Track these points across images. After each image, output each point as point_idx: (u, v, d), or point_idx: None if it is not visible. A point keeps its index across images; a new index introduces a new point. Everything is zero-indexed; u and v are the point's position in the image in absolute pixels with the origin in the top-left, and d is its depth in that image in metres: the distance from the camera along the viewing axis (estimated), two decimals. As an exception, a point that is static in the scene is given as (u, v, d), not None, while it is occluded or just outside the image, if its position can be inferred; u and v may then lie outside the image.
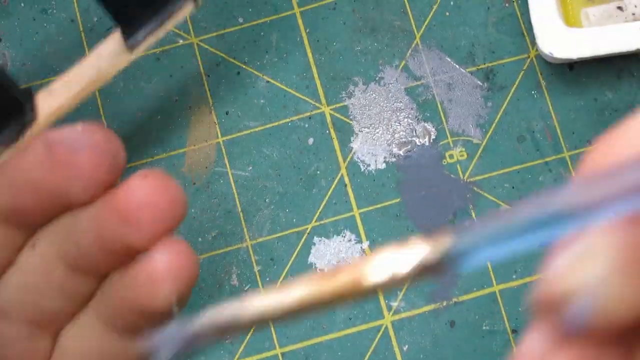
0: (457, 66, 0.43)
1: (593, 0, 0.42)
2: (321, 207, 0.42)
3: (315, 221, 0.41)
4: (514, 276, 0.41)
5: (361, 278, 0.16)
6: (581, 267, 0.15)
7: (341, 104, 0.42)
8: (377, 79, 0.43)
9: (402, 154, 0.42)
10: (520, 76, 0.42)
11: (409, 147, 0.42)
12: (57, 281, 0.25)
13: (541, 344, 0.16)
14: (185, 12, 0.24)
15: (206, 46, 0.43)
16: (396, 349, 0.40)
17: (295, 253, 0.41)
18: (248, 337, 0.40)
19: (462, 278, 0.41)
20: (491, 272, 0.41)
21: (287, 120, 0.42)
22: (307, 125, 0.42)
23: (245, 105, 0.43)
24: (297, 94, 0.43)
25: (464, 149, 0.42)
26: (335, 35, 0.43)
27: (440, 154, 0.42)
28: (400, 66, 0.43)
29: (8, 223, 0.25)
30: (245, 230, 0.41)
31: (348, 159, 0.42)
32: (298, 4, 0.44)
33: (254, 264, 0.41)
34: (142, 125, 0.43)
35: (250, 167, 0.42)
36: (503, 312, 0.40)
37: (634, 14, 0.41)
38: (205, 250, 0.41)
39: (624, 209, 0.14)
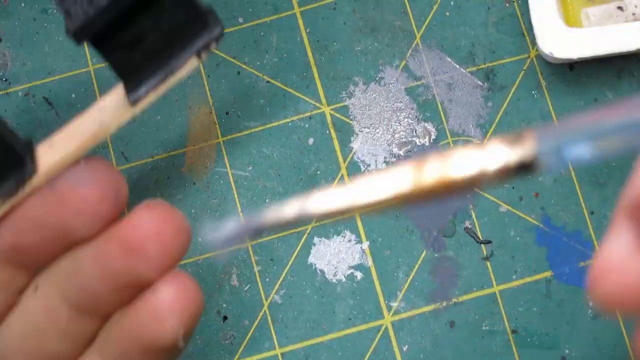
0: (457, 66, 0.43)
1: (593, 0, 0.42)
2: (321, 207, 0.41)
3: (315, 221, 0.41)
4: (514, 276, 0.41)
5: (449, 172, 0.16)
6: None
7: (341, 104, 0.42)
8: (377, 79, 0.43)
9: (402, 154, 0.42)
10: (520, 76, 0.42)
11: (409, 147, 0.42)
12: (60, 323, 0.25)
13: (623, 248, 0.16)
14: (188, 68, 0.24)
15: (206, 46, 0.43)
16: (396, 349, 0.40)
17: (295, 253, 0.41)
18: (248, 337, 0.40)
19: (462, 278, 0.41)
20: (491, 273, 0.41)
21: (287, 120, 0.42)
22: (307, 125, 0.42)
23: (245, 105, 0.43)
24: (297, 94, 0.43)
25: (464, 149, 0.42)
26: (336, 35, 0.43)
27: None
28: (401, 66, 0.43)
29: (10, 264, 0.25)
30: (245, 230, 0.41)
31: (348, 159, 0.42)
32: (298, 3, 0.44)
33: (254, 264, 0.41)
34: (142, 125, 0.43)
35: (250, 167, 0.42)
36: (503, 312, 0.40)
37: (634, 14, 0.41)
38: (205, 251, 0.41)
39: None
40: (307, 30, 0.43)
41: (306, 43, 0.43)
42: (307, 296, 0.41)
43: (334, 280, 0.41)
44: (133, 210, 0.24)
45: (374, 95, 0.43)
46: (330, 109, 0.42)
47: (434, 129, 0.42)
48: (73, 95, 0.43)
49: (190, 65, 0.24)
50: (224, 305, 0.41)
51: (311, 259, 0.41)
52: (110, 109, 0.24)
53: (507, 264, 0.41)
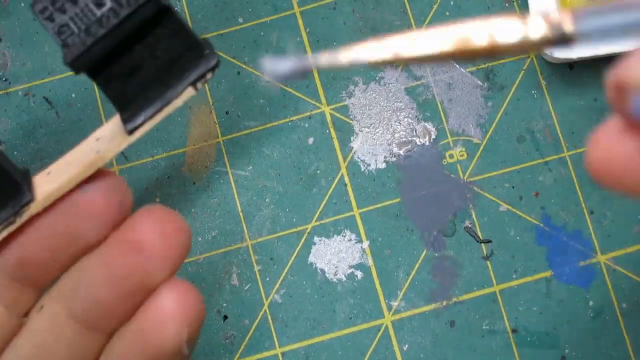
0: (457, 66, 0.43)
1: (593, 0, 0.42)
2: (321, 206, 0.42)
3: (316, 221, 0.41)
4: (514, 276, 0.41)
5: (495, 36, 0.17)
6: None
7: (341, 104, 0.43)
8: (377, 78, 0.43)
9: (402, 154, 0.42)
10: (520, 76, 0.42)
11: (409, 146, 0.42)
12: (67, 341, 0.25)
13: (616, 127, 0.18)
14: (184, 97, 0.24)
15: (206, 46, 0.43)
16: (396, 349, 0.40)
17: (295, 253, 0.41)
18: (248, 336, 0.40)
19: (462, 278, 0.41)
20: (491, 272, 0.41)
21: (287, 120, 0.42)
22: (307, 125, 0.42)
23: (245, 105, 0.43)
24: (297, 94, 0.43)
25: (464, 149, 0.42)
26: (336, 35, 0.43)
27: (440, 154, 0.42)
28: (401, 66, 0.43)
29: (17, 282, 0.25)
30: (245, 229, 0.41)
31: (348, 158, 0.42)
32: (298, 3, 0.44)
33: (254, 264, 0.41)
34: (142, 125, 0.43)
35: (250, 167, 0.42)
36: (503, 312, 0.40)
37: (633, 14, 0.41)
38: (205, 250, 0.41)
39: None
40: (307, 30, 0.43)
41: (306, 43, 0.43)
42: (308, 295, 0.41)
43: (334, 280, 0.41)
44: (134, 214, 0.24)
45: (374, 95, 0.43)
46: (330, 109, 0.42)
47: (433, 129, 0.42)
48: (73, 95, 0.43)
49: (186, 95, 0.24)
50: (224, 304, 0.41)
51: (311, 259, 0.41)
52: (107, 138, 0.25)
53: (507, 264, 0.41)
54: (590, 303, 0.40)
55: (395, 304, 0.40)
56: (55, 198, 0.24)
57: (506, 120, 0.42)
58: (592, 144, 0.18)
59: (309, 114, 0.42)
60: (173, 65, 0.24)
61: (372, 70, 0.43)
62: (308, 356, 0.40)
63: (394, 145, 0.42)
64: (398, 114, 0.42)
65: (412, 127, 0.42)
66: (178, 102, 0.24)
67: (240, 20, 0.43)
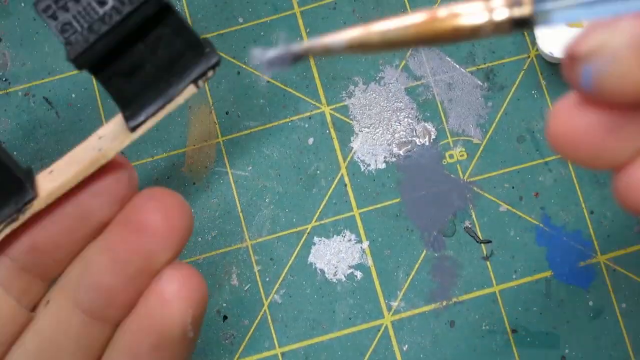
0: (457, 66, 0.43)
1: None
2: (321, 207, 0.42)
3: (315, 221, 0.41)
4: (513, 276, 0.41)
5: (459, 19, 0.18)
6: (602, 35, 0.18)
7: (341, 104, 0.43)
8: (377, 78, 0.43)
9: (402, 154, 0.42)
10: (520, 76, 0.42)
11: (409, 147, 0.42)
12: (74, 333, 0.25)
13: (572, 101, 0.19)
14: (186, 95, 0.25)
15: (206, 46, 0.43)
16: (396, 349, 0.40)
17: (295, 253, 0.41)
18: (248, 336, 0.40)
19: (462, 278, 0.41)
20: (491, 272, 0.41)
21: (287, 120, 0.42)
22: (307, 125, 0.42)
23: (245, 105, 0.43)
24: (297, 94, 0.43)
25: (464, 149, 0.42)
26: (335, 35, 0.43)
27: (440, 154, 0.42)
28: (401, 66, 0.43)
29: (27, 271, 0.25)
30: (245, 230, 0.41)
31: (348, 158, 0.42)
32: (298, 3, 0.44)
33: (254, 264, 0.41)
34: (142, 125, 0.43)
35: (250, 167, 0.42)
36: (503, 312, 0.40)
37: (634, 14, 0.41)
38: (205, 250, 0.41)
39: None
40: (307, 30, 0.43)
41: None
42: (307, 296, 0.41)
43: (334, 280, 0.41)
44: (136, 196, 0.25)
45: (374, 95, 0.43)
46: (330, 109, 0.42)
47: (433, 129, 0.42)
48: (73, 95, 0.43)
49: (187, 92, 0.25)
50: (224, 304, 0.41)
51: (311, 259, 0.41)
52: (109, 136, 0.25)
53: (507, 264, 0.41)
54: (590, 303, 0.40)
55: (395, 304, 0.40)
56: (58, 196, 0.24)
57: (506, 120, 0.42)
58: (551, 116, 0.20)
59: (309, 114, 0.42)
60: (174, 63, 0.25)
61: (372, 70, 0.43)
62: (308, 356, 0.40)
63: (393, 145, 0.42)
64: (398, 114, 0.42)
65: (412, 127, 0.42)
66: (180, 100, 0.25)
67: (241, 20, 0.43)
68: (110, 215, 0.25)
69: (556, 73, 0.42)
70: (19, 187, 0.24)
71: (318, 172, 0.42)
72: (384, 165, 0.42)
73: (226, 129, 0.42)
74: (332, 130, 0.42)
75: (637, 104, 0.18)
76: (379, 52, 0.20)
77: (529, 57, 0.43)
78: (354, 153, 0.42)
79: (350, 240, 0.41)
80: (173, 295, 0.24)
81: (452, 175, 0.42)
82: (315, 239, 0.41)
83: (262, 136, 0.42)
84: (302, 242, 0.41)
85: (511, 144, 0.42)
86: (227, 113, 0.43)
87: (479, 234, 0.41)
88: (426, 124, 0.42)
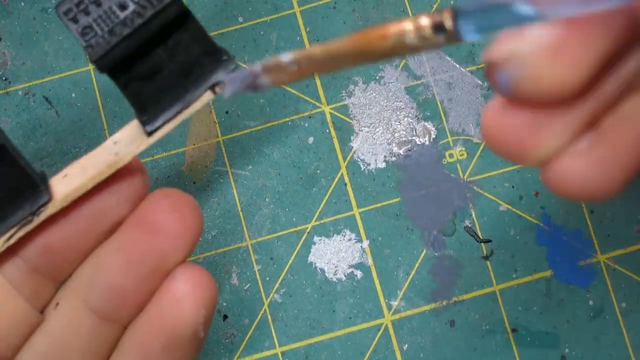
0: (457, 65, 0.43)
1: None
2: (321, 206, 0.42)
3: (315, 220, 0.41)
4: (514, 275, 0.41)
5: (388, 28, 0.20)
6: (512, 43, 0.19)
7: (341, 103, 0.43)
8: (377, 78, 0.43)
9: (402, 153, 0.42)
10: (520, 75, 0.42)
11: (409, 146, 0.42)
12: (83, 335, 0.25)
13: (498, 102, 0.21)
14: (203, 100, 0.25)
15: (206, 45, 0.43)
16: (396, 348, 0.40)
17: (295, 252, 0.41)
18: (248, 336, 0.40)
19: (462, 278, 0.41)
20: (491, 272, 0.41)
21: (287, 119, 0.42)
22: (307, 125, 0.42)
23: (245, 105, 0.43)
24: (297, 93, 0.43)
25: (464, 148, 0.42)
26: (335, 35, 0.43)
27: (440, 153, 0.42)
28: (401, 65, 0.43)
29: (38, 273, 0.25)
30: (245, 229, 0.41)
31: (348, 158, 0.42)
32: (298, 3, 0.44)
33: (254, 263, 0.41)
34: (142, 124, 0.43)
35: (250, 166, 0.42)
36: (503, 312, 0.40)
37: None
38: (205, 249, 0.41)
39: (571, 12, 0.18)
40: (307, 30, 0.43)
41: (306, 42, 0.43)
42: (307, 295, 0.41)
43: (334, 279, 0.41)
44: (148, 197, 0.25)
45: (374, 94, 0.43)
46: (330, 108, 0.42)
47: (433, 128, 0.42)
48: (73, 95, 0.43)
49: (205, 98, 0.25)
50: (224, 304, 0.41)
51: (311, 258, 0.41)
52: (125, 140, 0.25)
53: (507, 263, 0.41)
54: (590, 303, 0.40)
55: (395, 303, 0.40)
56: (73, 199, 0.25)
57: (506, 119, 0.42)
58: (483, 117, 0.21)
59: (308, 113, 0.42)
60: (191, 69, 0.25)
61: (372, 69, 0.43)
62: (308, 355, 0.40)
63: (393, 144, 0.42)
64: (398, 113, 0.42)
65: (412, 126, 0.42)
66: (197, 106, 0.25)
67: (241, 19, 0.43)
68: (124, 215, 0.25)
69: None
70: (34, 190, 0.25)
71: (318, 171, 0.42)
72: (384, 165, 0.42)
73: (226, 128, 0.42)
74: (332, 129, 0.42)
75: (554, 103, 0.20)
76: (332, 69, 0.21)
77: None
78: (354, 152, 0.42)
79: (350, 239, 0.41)
80: (186, 295, 0.24)
81: (452, 175, 0.42)
82: (316, 238, 0.41)
83: (262, 135, 0.42)
84: (302, 241, 0.41)
85: (511, 143, 0.42)
86: (227, 112, 0.43)
87: (479, 234, 0.41)
88: (426, 124, 0.42)
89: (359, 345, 0.40)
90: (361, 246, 0.41)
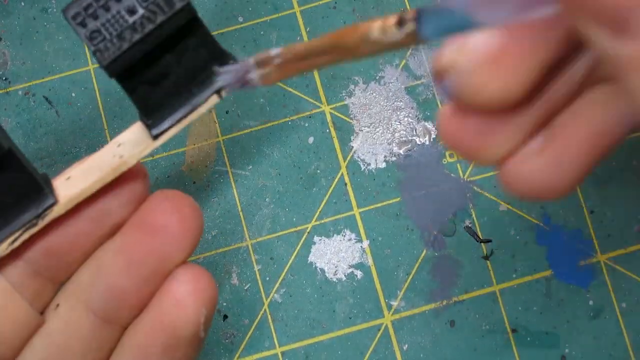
0: (457, 65, 0.43)
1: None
2: (321, 206, 0.42)
3: (315, 220, 0.41)
4: (514, 275, 0.41)
5: (360, 36, 0.20)
6: (453, 53, 0.19)
7: (341, 103, 0.42)
8: (377, 78, 0.43)
9: (402, 153, 0.42)
10: (520, 75, 0.42)
11: (409, 146, 0.42)
12: (83, 336, 0.25)
13: (449, 107, 0.21)
14: (209, 104, 0.25)
15: (206, 45, 0.43)
16: (396, 348, 0.40)
17: (295, 252, 0.41)
18: (248, 336, 0.40)
19: (462, 277, 0.41)
20: (491, 271, 0.41)
21: (287, 119, 0.42)
22: (307, 125, 0.42)
23: (245, 104, 0.43)
24: (297, 93, 0.43)
25: (464, 148, 0.42)
26: (336, 34, 0.43)
27: (440, 153, 0.42)
28: (401, 65, 0.43)
29: (40, 275, 0.25)
30: (245, 229, 0.41)
31: (348, 158, 0.42)
32: (298, 3, 0.44)
33: (254, 263, 0.41)
34: (142, 124, 0.42)
35: (250, 166, 0.42)
36: (503, 312, 0.40)
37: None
38: (205, 249, 0.41)
39: (506, 20, 0.18)
40: (307, 30, 0.43)
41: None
42: (307, 295, 0.41)
43: (334, 279, 0.41)
44: (149, 198, 0.25)
45: (374, 94, 0.43)
46: (330, 108, 0.42)
47: (433, 128, 0.42)
48: (73, 94, 0.43)
49: (211, 102, 0.25)
50: (224, 304, 0.41)
51: (311, 258, 0.41)
52: (130, 143, 0.25)
53: (507, 263, 0.41)
54: (590, 302, 0.40)
55: (395, 303, 0.40)
56: (78, 202, 0.25)
57: (506, 119, 0.42)
58: (438, 120, 0.22)
59: (309, 113, 0.42)
60: (198, 73, 0.25)
61: (372, 69, 0.43)
62: (308, 355, 0.40)
63: (394, 144, 0.42)
64: (398, 113, 0.42)
65: (412, 126, 0.42)
66: (202, 109, 0.25)
67: (241, 19, 0.43)
68: (125, 217, 0.25)
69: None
70: (38, 193, 0.25)
71: (318, 171, 0.42)
72: (384, 165, 0.42)
73: (226, 128, 0.42)
74: (332, 129, 0.42)
75: (499, 110, 0.20)
76: (315, 64, 0.21)
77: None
78: (354, 152, 0.42)
79: (350, 239, 0.41)
80: (187, 296, 0.24)
81: (452, 175, 0.42)
82: (316, 238, 0.41)
83: (262, 135, 0.42)
84: (302, 241, 0.41)
85: (511, 143, 0.42)
86: (227, 112, 0.43)
87: (479, 233, 0.41)
88: (426, 123, 0.42)
89: (359, 345, 0.40)
90: (361, 246, 0.41)
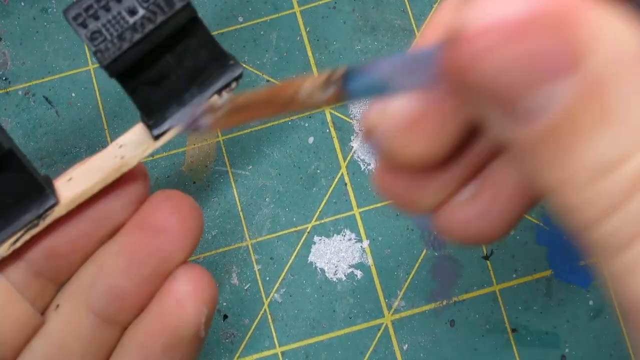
0: (457, 65, 0.43)
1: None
2: (321, 206, 0.42)
3: (315, 220, 0.41)
4: (514, 275, 0.41)
5: (292, 93, 0.20)
6: (375, 116, 0.20)
7: (341, 103, 0.42)
8: (377, 78, 0.43)
9: (402, 153, 0.42)
10: (520, 75, 0.42)
11: (409, 146, 0.42)
12: (84, 337, 0.25)
13: (381, 164, 0.21)
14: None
15: (206, 45, 0.43)
16: (396, 348, 0.40)
17: (295, 252, 0.41)
18: (248, 335, 0.40)
19: (462, 278, 0.41)
20: (491, 271, 0.41)
21: (287, 119, 0.42)
22: (307, 125, 0.42)
23: (245, 104, 0.43)
24: (297, 93, 0.43)
25: (464, 148, 0.42)
26: (335, 35, 0.43)
27: (440, 153, 0.42)
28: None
29: (42, 276, 0.26)
30: (245, 229, 0.41)
31: (348, 157, 0.42)
32: (298, 3, 0.44)
33: (254, 263, 0.41)
34: (142, 124, 0.43)
35: (250, 166, 0.42)
36: (503, 312, 0.40)
37: (634, 13, 0.41)
38: (206, 249, 0.41)
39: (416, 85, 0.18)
40: (307, 29, 0.43)
41: (306, 42, 0.43)
42: (308, 295, 0.41)
43: (334, 279, 0.41)
44: (150, 198, 0.25)
45: (374, 94, 0.43)
46: (330, 108, 0.42)
47: (434, 128, 0.42)
48: (73, 94, 0.43)
49: (212, 102, 0.25)
50: (224, 304, 0.41)
51: (311, 258, 0.41)
52: (131, 144, 0.26)
53: (507, 263, 0.41)
54: (590, 302, 0.40)
55: (395, 303, 0.40)
56: (79, 202, 0.25)
57: (506, 119, 0.42)
58: (373, 173, 0.22)
59: (309, 113, 0.42)
60: (198, 73, 0.25)
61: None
62: (308, 355, 0.40)
63: (394, 144, 0.42)
64: (398, 113, 0.42)
65: (412, 126, 0.42)
66: None
67: (240, 19, 0.43)
68: (126, 218, 0.25)
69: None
70: (40, 193, 0.25)
71: (318, 171, 0.42)
72: (384, 165, 0.42)
73: (226, 128, 0.42)
74: (332, 129, 0.42)
75: (425, 167, 0.20)
76: (255, 116, 0.22)
77: (529, 56, 0.43)
78: (354, 152, 0.42)
79: (350, 239, 0.41)
80: (187, 296, 0.24)
81: (452, 175, 0.42)
82: (316, 238, 0.41)
83: (262, 135, 0.42)
84: (302, 241, 0.41)
85: (511, 143, 0.42)
86: (227, 112, 0.43)
87: (479, 233, 0.41)
88: (426, 123, 0.42)
89: (359, 345, 0.40)
90: (361, 246, 0.41)
